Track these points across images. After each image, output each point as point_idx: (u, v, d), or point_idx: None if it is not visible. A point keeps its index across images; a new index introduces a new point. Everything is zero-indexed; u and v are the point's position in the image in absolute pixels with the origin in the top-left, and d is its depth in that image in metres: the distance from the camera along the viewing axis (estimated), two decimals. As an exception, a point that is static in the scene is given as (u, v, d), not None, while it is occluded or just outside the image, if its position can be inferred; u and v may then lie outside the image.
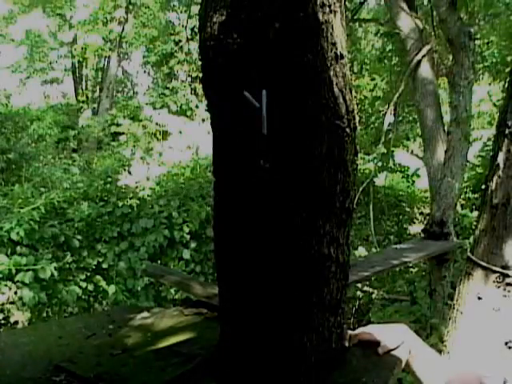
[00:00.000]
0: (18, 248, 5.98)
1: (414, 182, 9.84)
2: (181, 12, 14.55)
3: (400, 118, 10.37)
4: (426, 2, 8.94)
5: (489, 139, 8.67)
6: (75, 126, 13.33)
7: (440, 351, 2.54)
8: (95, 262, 6.61)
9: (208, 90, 1.67)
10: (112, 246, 6.80)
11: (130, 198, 7.20)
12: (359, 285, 6.75)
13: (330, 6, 1.55)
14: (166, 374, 1.73)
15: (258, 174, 1.36)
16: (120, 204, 7.04)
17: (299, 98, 1.52)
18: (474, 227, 3.39)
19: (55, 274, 5.85)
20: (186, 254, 6.97)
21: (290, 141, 1.37)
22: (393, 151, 8.40)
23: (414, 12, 7.20)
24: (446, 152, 6.21)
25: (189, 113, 12.12)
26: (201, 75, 1.70)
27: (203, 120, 11.28)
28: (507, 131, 2.64)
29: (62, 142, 12.38)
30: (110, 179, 7.63)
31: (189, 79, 13.65)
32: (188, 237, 7.03)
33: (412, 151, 11.95)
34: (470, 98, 6.16)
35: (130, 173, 8.15)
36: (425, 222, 7.00)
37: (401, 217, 10.44)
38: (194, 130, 10.81)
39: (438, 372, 1.23)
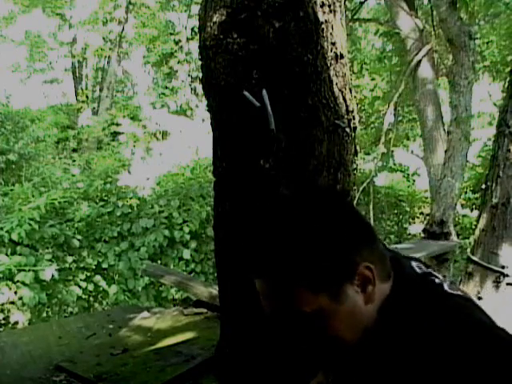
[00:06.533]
0: (19, 248, 5.98)
1: (414, 181, 9.84)
2: (181, 12, 14.54)
3: (400, 118, 10.37)
4: (426, 1, 8.94)
5: (489, 139, 8.67)
6: (75, 125, 13.32)
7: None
8: (95, 262, 6.62)
9: (208, 89, 1.67)
10: (112, 246, 6.80)
11: (130, 198, 7.20)
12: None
13: (329, 6, 1.55)
14: (166, 373, 1.73)
15: (258, 173, 1.36)
16: (120, 204, 7.04)
17: (299, 98, 1.52)
18: (474, 227, 3.38)
19: (55, 274, 5.86)
20: (186, 254, 6.96)
21: (290, 141, 1.37)
22: (393, 151, 8.40)
23: (414, 12, 7.21)
24: (445, 152, 6.22)
25: (189, 113, 12.11)
26: (201, 75, 1.70)
27: (203, 120, 11.26)
28: (507, 131, 2.65)
29: (61, 142, 12.35)
30: (110, 179, 7.62)
31: (189, 79, 13.64)
32: (188, 237, 7.03)
33: (412, 151, 11.96)
34: (469, 98, 6.17)
35: (129, 173, 8.15)
36: (425, 222, 7.00)
37: (401, 217, 10.44)
38: (194, 130, 10.81)
39: None
